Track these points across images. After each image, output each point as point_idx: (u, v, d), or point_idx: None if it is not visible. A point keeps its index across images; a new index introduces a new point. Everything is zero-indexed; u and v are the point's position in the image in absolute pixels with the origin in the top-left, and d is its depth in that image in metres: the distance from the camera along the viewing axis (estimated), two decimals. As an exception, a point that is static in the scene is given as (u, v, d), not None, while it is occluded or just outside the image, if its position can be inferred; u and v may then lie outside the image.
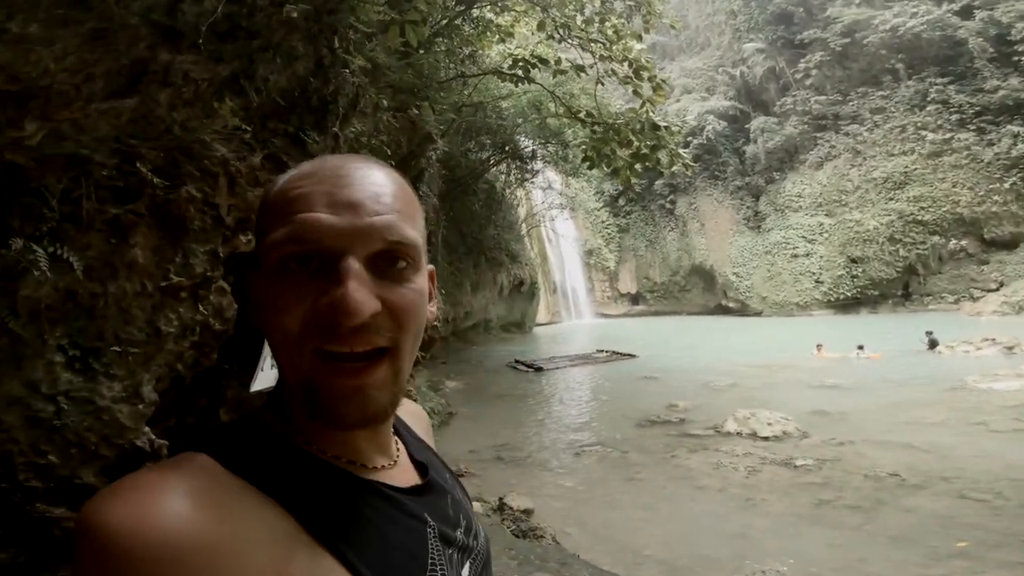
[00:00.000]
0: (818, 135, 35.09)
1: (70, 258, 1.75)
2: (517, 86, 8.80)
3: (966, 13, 30.51)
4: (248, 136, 2.74)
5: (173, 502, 0.41)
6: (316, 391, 0.48)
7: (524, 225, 32.02)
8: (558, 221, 34.78)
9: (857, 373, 12.57)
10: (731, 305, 36.44)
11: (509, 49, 9.27)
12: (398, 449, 0.61)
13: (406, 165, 7.56)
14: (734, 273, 36.06)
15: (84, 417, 1.95)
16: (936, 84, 30.81)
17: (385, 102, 5.03)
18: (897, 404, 9.33)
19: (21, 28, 1.31)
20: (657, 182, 38.59)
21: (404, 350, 0.50)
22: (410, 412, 0.75)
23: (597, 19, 7.40)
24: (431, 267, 0.57)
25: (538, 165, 20.90)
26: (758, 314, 33.68)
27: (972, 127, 29.21)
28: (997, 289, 27.11)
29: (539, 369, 15.96)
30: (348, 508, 0.50)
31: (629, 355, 18.10)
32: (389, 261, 0.49)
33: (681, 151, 9.81)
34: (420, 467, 0.63)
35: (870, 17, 33.08)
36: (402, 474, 0.59)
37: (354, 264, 0.47)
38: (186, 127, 2.27)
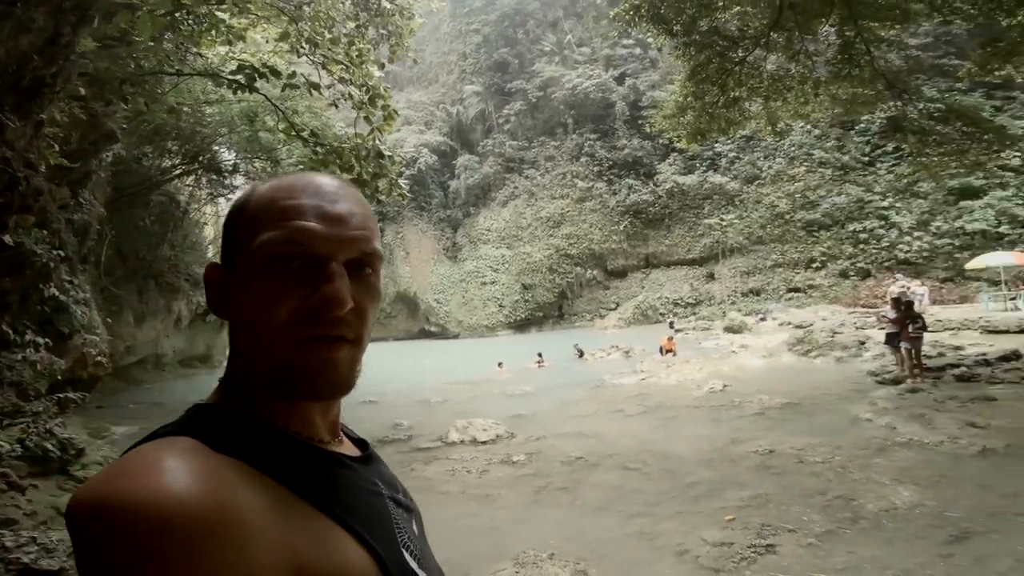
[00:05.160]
0: (507, 176, 41.00)
1: None
2: (235, 93, 7.95)
3: (621, 79, 39.40)
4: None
5: (183, 476, 0.44)
6: (294, 367, 0.55)
7: (212, 247, 28.07)
8: (255, 243, 31.51)
9: (536, 381, 15.32)
10: (433, 329, 39.29)
11: (233, 53, 8.26)
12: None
13: (72, 163, 5.99)
14: (435, 299, 39.09)
15: None
16: (589, 139, 39.17)
17: (82, 91, 4.01)
18: (565, 403, 11.63)
19: None
20: (368, 210, 39.04)
21: (363, 339, 0.59)
22: None
23: (346, 40, 7.29)
24: None
25: (238, 181, 18.73)
26: (456, 336, 37.23)
27: (605, 178, 38.12)
28: (615, 309, 36.79)
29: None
30: (325, 476, 0.57)
31: (343, 383, 17.84)
32: (359, 266, 0.58)
33: (401, 181, 10.30)
34: (359, 443, 0.70)
35: (562, 75, 39.83)
36: (349, 449, 0.66)
37: (338, 267, 0.56)
38: None
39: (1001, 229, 25.17)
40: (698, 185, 34.77)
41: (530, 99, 40.59)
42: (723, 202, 34.16)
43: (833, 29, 10.06)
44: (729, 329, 23.25)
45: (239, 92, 7.43)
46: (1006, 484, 4.74)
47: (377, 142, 9.36)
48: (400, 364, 23.55)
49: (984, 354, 11.09)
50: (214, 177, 17.83)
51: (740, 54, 10.40)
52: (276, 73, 6.83)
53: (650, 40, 12.03)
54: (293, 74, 7.11)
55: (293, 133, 9.22)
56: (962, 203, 26.66)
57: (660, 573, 3.61)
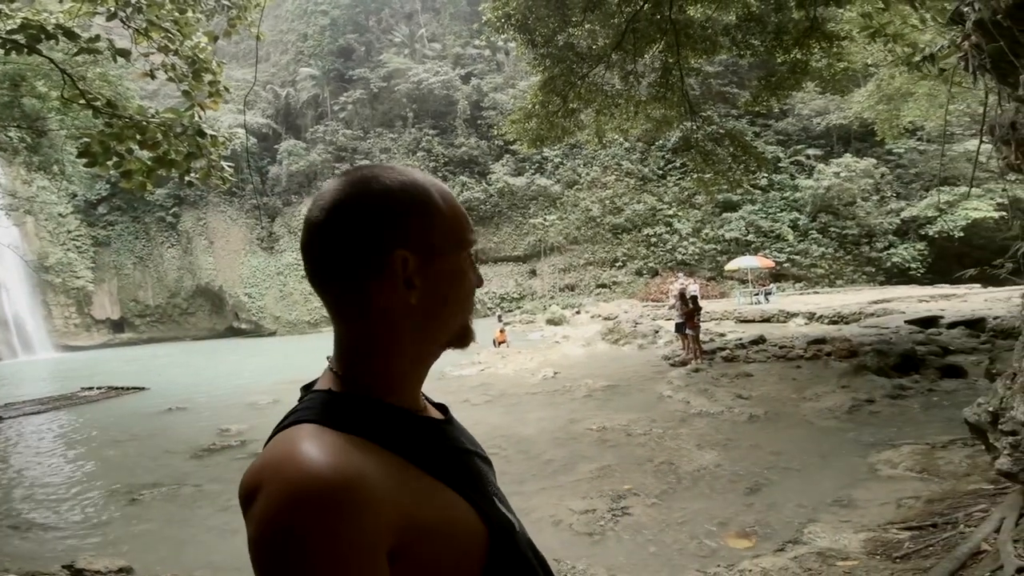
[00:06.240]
0: (337, 165, 37.89)
1: None
2: (8, 55, 6.29)
3: (467, 79, 39.07)
4: None
5: (316, 456, 0.54)
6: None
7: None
8: (-7, 226, 24.95)
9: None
10: (244, 327, 35.30)
11: (10, 11, 6.45)
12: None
13: None
14: (246, 294, 35.10)
15: None
16: (428, 134, 38.39)
17: None
18: (408, 395, 11.73)
19: None
20: (159, 191, 33.20)
21: None
22: None
23: (172, 5, 6.22)
24: None
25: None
26: (272, 334, 34.00)
27: (441, 174, 37.64)
28: (445, 303, 37.30)
29: (-9, 420, 11.69)
30: (427, 441, 0.66)
31: (136, 388, 15.33)
32: None
33: (225, 165, 9.28)
34: (440, 408, 0.80)
35: (409, 68, 38.21)
36: (434, 414, 0.75)
37: None
38: None
39: (749, 237, 31.73)
40: (526, 186, 37.02)
41: (372, 89, 38.70)
42: (547, 204, 36.97)
43: (658, 55, 11.63)
44: (551, 322, 25.36)
45: (10, 53, 5.94)
46: (771, 444, 6.09)
47: (197, 119, 8.35)
48: (212, 366, 20.90)
49: (740, 339, 13.86)
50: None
51: (585, 70, 11.44)
52: (72, 35, 5.64)
53: (509, 46, 12.48)
54: (96, 38, 5.91)
55: (82, 102, 7.72)
56: (724, 214, 32.94)
57: (545, 542, 4.01)
